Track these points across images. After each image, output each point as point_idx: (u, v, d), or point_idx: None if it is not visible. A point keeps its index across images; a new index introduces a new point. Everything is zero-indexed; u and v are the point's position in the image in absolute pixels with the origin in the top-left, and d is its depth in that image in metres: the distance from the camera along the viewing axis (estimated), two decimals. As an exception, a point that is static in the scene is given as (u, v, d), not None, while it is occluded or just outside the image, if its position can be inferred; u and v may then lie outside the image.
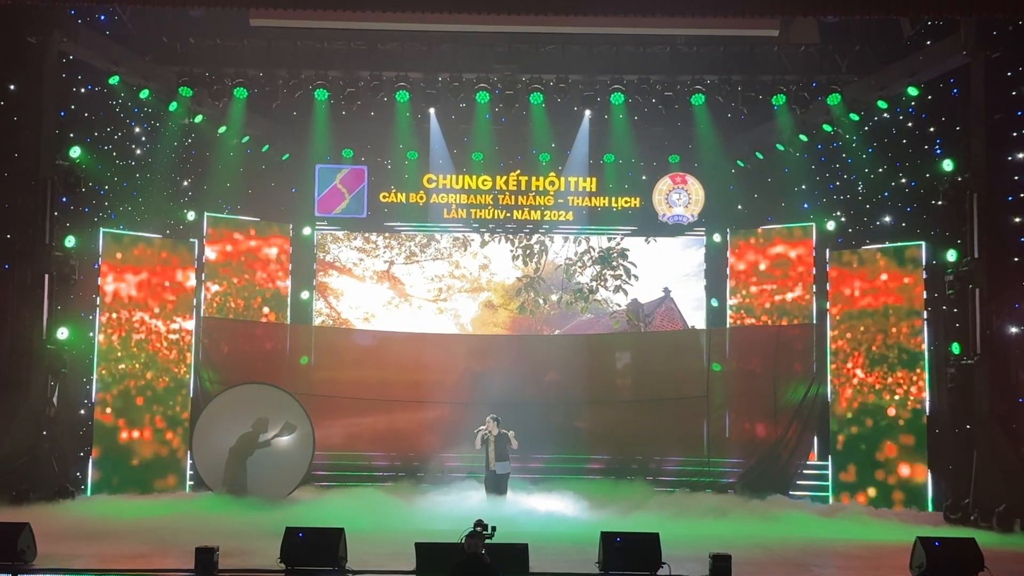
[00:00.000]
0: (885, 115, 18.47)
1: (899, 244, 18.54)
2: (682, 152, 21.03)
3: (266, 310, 20.71)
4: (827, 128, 19.30)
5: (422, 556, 11.20)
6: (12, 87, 16.98)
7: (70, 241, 17.23)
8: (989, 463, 16.20)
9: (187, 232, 19.77)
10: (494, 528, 9.52)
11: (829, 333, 19.25)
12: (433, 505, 16.89)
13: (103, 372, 18.31)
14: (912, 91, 17.78)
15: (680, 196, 21.11)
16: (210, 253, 20.11)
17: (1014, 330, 16.46)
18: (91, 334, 18.17)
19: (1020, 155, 16.33)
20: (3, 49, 16.70)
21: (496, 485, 16.77)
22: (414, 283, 21.50)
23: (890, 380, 18.40)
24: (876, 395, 18.53)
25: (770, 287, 20.38)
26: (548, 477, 18.97)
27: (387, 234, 21.46)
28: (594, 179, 21.17)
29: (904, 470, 18.10)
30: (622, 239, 21.30)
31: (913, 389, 18.13)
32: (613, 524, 13.16)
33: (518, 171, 21.27)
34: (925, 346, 18.04)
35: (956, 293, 16.96)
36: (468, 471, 18.56)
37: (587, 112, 20.27)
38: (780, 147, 20.16)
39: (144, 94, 18.56)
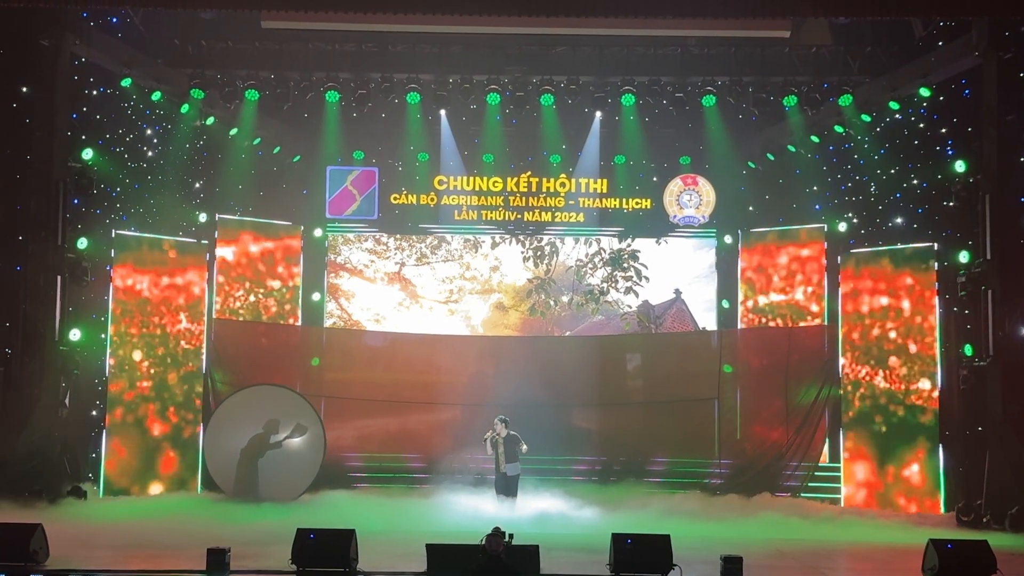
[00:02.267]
0: (897, 116, 18.43)
1: (911, 245, 18.49)
2: (693, 153, 21.00)
3: (277, 312, 20.73)
4: (838, 129, 19.28)
5: (433, 557, 11.20)
6: (24, 90, 17.05)
7: (82, 243, 17.29)
8: (1002, 465, 16.15)
9: (198, 234, 19.81)
10: (511, 535, 9.55)
11: (841, 334, 19.20)
12: (444, 506, 16.88)
13: (115, 373, 18.35)
14: (924, 92, 17.74)
15: (691, 197, 21.09)
16: (221, 255, 20.15)
17: (1027, 332, 16.44)
18: (103, 335, 18.21)
19: (1032, 156, 16.33)
20: (16, 52, 16.77)
21: (507, 486, 16.76)
22: (425, 285, 21.52)
23: (902, 382, 18.34)
24: (888, 397, 18.48)
25: (781, 288, 20.34)
26: (559, 478, 18.92)
27: (398, 236, 21.48)
28: (605, 180, 21.15)
29: (916, 472, 18.04)
30: (633, 240, 21.28)
31: (925, 391, 18.08)
32: (624, 525, 13.13)
33: (529, 172, 21.26)
34: (937, 348, 17.98)
35: (968, 295, 16.89)
36: (479, 472, 18.55)
37: (598, 113, 20.27)
38: (791, 148, 20.13)
39: (156, 96, 18.63)
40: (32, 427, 16.61)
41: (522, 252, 21.47)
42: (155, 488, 18.46)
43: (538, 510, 16.46)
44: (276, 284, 20.76)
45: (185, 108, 18.91)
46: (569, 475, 19.30)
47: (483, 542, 9.45)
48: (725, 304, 20.96)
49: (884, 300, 18.68)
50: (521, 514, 15.84)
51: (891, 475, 18.29)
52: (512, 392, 19.52)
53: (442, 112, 20.28)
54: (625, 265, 21.31)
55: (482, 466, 18.24)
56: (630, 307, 21.33)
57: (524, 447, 16.73)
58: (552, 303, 21.47)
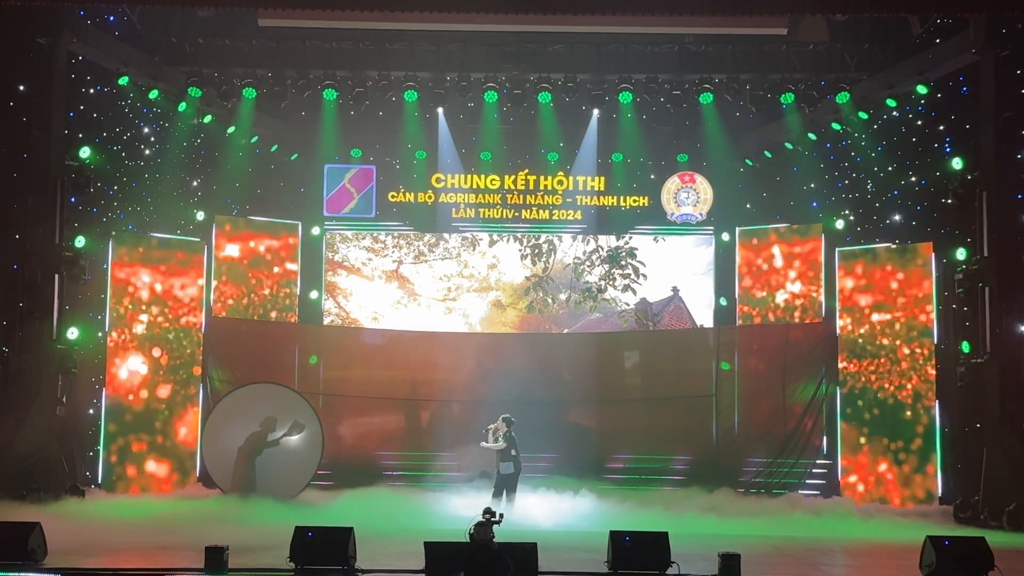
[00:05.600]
0: (894, 113, 18.46)
1: (908, 242, 18.52)
2: (691, 151, 21.00)
3: (275, 310, 20.73)
4: (836, 126, 19.28)
5: (431, 555, 11.20)
6: (22, 88, 17.03)
7: (80, 241, 17.27)
8: (999, 462, 16.17)
9: (196, 232, 19.82)
10: (501, 515, 9.55)
11: (838, 331, 19.21)
12: (442, 504, 16.88)
13: (112, 372, 18.35)
14: (921, 89, 17.75)
15: (689, 195, 21.09)
16: (219, 253, 20.14)
17: (1024, 329, 16.46)
18: (100, 334, 18.22)
19: (1030, 153, 16.35)
20: (13, 50, 16.76)
21: (501, 484, 16.75)
22: (423, 282, 21.52)
23: (899, 379, 18.36)
24: (885, 394, 18.49)
25: (779, 286, 20.35)
26: (557, 476, 18.91)
27: (396, 233, 21.49)
28: (602, 178, 21.16)
29: (914, 469, 18.06)
30: (630, 238, 21.29)
31: (923, 388, 18.10)
32: (622, 523, 13.16)
33: (526, 170, 21.27)
34: (935, 345, 18.00)
35: (966, 292, 16.91)
36: (477, 469, 18.57)
37: (595, 111, 20.28)
38: (789, 146, 20.15)
39: (153, 94, 18.63)
40: (30, 425, 16.60)
41: (520, 250, 21.48)
42: (153, 486, 18.46)
43: (536, 508, 16.46)
44: (274, 282, 20.75)
45: (182, 106, 18.90)
46: (567, 472, 19.23)
47: (471, 531, 9.45)
48: (723, 301, 20.96)
49: (881, 297, 18.70)
50: (519, 512, 15.82)
51: (889, 472, 18.31)
52: (510, 389, 19.50)
53: (439, 110, 20.28)
54: (623, 263, 21.31)
55: (481, 464, 18.25)
56: (628, 304, 21.33)
57: (512, 452, 16.68)
58: (550, 300, 21.48)
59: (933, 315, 18.07)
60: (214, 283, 19.97)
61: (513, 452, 16.76)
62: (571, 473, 19.26)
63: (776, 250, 20.42)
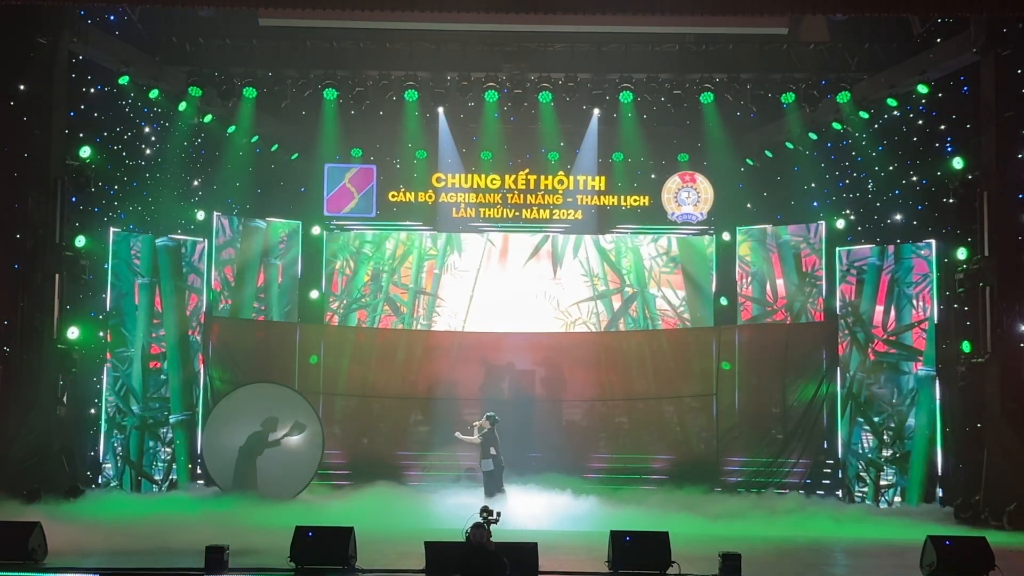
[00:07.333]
0: (895, 113, 18.45)
1: (909, 242, 18.50)
2: (691, 150, 20.98)
3: (275, 309, 20.72)
4: (836, 126, 19.27)
5: (431, 555, 11.21)
6: (22, 87, 17.00)
7: (80, 241, 17.24)
8: (1000, 462, 16.17)
9: (197, 232, 19.79)
10: (499, 513, 9.55)
11: (839, 331, 19.20)
12: (442, 503, 16.89)
13: (113, 372, 18.34)
14: (922, 89, 17.74)
15: (689, 194, 21.07)
16: (219, 252, 20.12)
17: (1024, 328, 16.45)
18: (101, 334, 18.19)
19: (1031, 153, 16.34)
20: (13, 49, 16.73)
21: (486, 483, 16.80)
22: (423, 282, 21.49)
23: (900, 379, 18.36)
24: (886, 393, 18.49)
25: (779, 285, 20.33)
26: (555, 474, 18.90)
27: (396, 233, 21.46)
28: (603, 178, 21.14)
29: (915, 469, 18.05)
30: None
31: (924, 388, 18.08)
32: (623, 523, 13.15)
33: (527, 170, 21.24)
34: (935, 345, 17.98)
35: (966, 291, 16.91)
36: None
37: (596, 111, 20.27)
38: (789, 145, 20.13)
39: (154, 94, 18.61)
40: (30, 425, 16.57)
41: (521, 249, 21.46)
42: (153, 486, 18.47)
43: (534, 507, 16.46)
44: (274, 282, 20.73)
45: (183, 106, 18.88)
46: (567, 472, 19.24)
47: (467, 531, 9.43)
48: (723, 301, 20.94)
49: (881, 296, 18.68)
50: (519, 511, 15.80)
51: (889, 471, 18.30)
52: (509, 388, 19.52)
53: (440, 109, 20.28)
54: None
55: (472, 462, 18.30)
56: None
57: (492, 450, 16.75)
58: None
59: (933, 315, 18.05)
60: (214, 283, 19.95)
61: (493, 450, 16.85)
62: (570, 472, 19.27)
63: (776, 249, 20.40)
